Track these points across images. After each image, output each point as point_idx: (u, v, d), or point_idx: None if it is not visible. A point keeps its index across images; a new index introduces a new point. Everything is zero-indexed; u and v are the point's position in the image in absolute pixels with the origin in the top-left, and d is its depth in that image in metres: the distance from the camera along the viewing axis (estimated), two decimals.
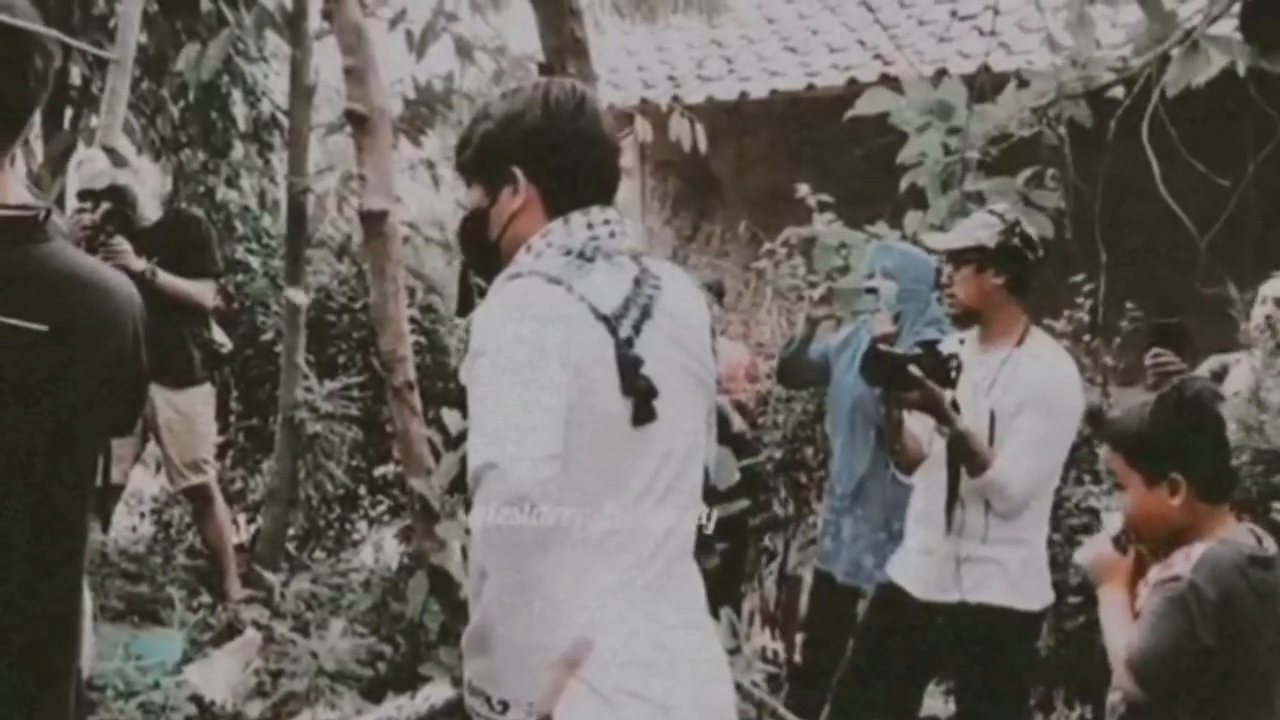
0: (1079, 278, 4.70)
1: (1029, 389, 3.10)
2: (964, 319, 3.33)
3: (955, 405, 3.06)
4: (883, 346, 3.18)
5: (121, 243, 4.47)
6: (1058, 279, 4.41)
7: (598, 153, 1.89)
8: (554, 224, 1.84)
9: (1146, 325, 4.60)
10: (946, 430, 3.07)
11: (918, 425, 3.20)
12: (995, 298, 3.20)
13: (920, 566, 3.23)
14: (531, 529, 1.59)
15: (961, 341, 3.31)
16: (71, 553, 1.52)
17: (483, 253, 1.95)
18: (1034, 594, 3.18)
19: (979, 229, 3.21)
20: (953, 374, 3.03)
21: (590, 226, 1.84)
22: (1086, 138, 3.36)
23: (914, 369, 2.98)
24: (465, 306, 5.62)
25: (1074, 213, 3.18)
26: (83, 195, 4.56)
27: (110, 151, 4.76)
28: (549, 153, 1.85)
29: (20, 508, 1.42)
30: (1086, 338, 4.95)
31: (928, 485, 3.26)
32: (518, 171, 1.86)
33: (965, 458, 3.08)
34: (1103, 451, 2.52)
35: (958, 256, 3.24)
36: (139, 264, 4.47)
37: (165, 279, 4.60)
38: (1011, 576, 3.12)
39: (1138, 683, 2.30)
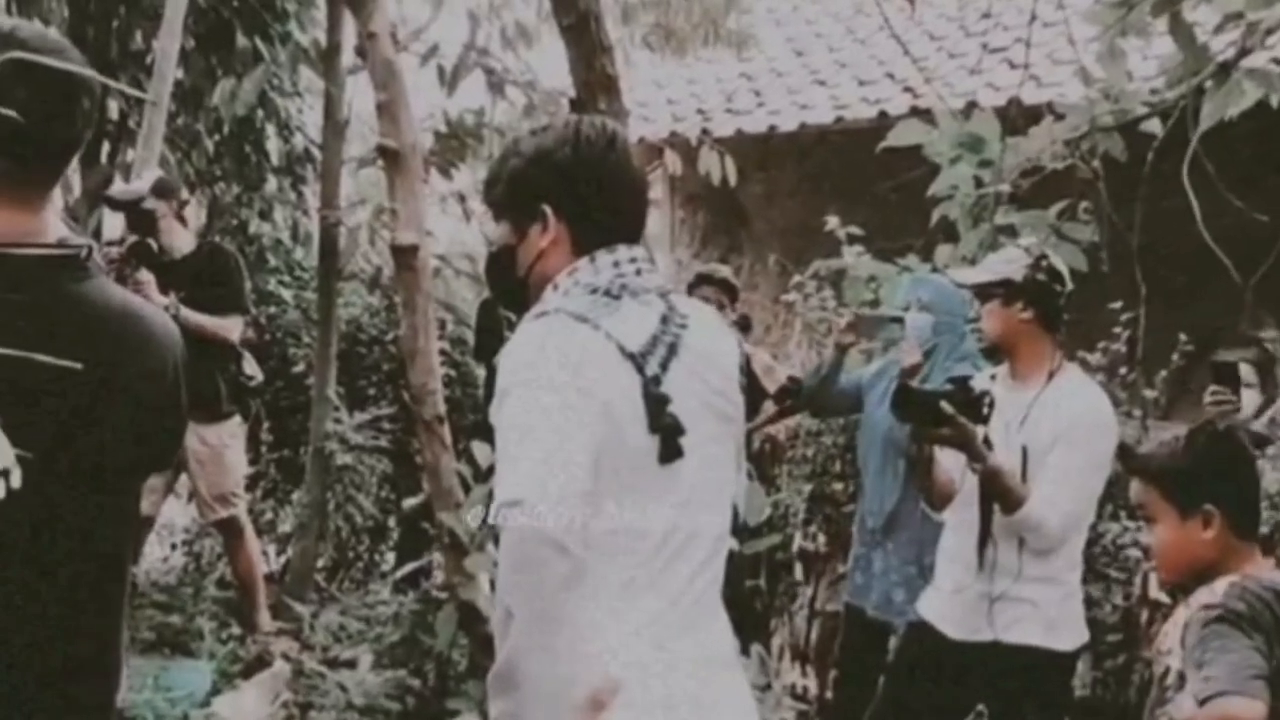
0: (1116, 305, 4.65)
1: (1062, 424, 3.05)
2: (993, 353, 3.30)
3: (988, 442, 3.02)
4: (913, 384, 3.14)
5: (145, 276, 4.47)
6: (1092, 312, 4.37)
7: (627, 191, 1.88)
8: (581, 262, 1.83)
9: (1208, 364, 4.55)
10: (979, 467, 3.03)
11: (949, 461, 3.16)
12: (1024, 332, 3.16)
13: (952, 605, 3.18)
14: (558, 567, 1.58)
15: (993, 377, 3.26)
16: (114, 590, 1.51)
17: (510, 288, 1.94)
18: (1069, 634, 3.12)
19: (1005, 263, 3.18)
20: (985, 410, 2.99)
21: (617, 265, 1.83)
22: (1122, 170, 3.33)
23: (945, 406, 2.94)
24: (483, 350, 5.57)
25: (1111, 245, 3.14)
26: (110, 201, 4.58)
27: (165, 183, 4.78)
28: (579, 191, 1.84)
29: (63, 544, 1.41)
30: (1123, 370, 4.90)
31: (959, 523, 3.21)
32: (547, 209, 1.85)
33: (998, 495, 3.04)
34: (1133, 485, 2.49)
35: (985, 291, 3.21)
36: (162, 299, 4.46)
37: (188, 315, 4.55)
38: (1046, 616, 3.06)
39: (1242, 705, 2.19)
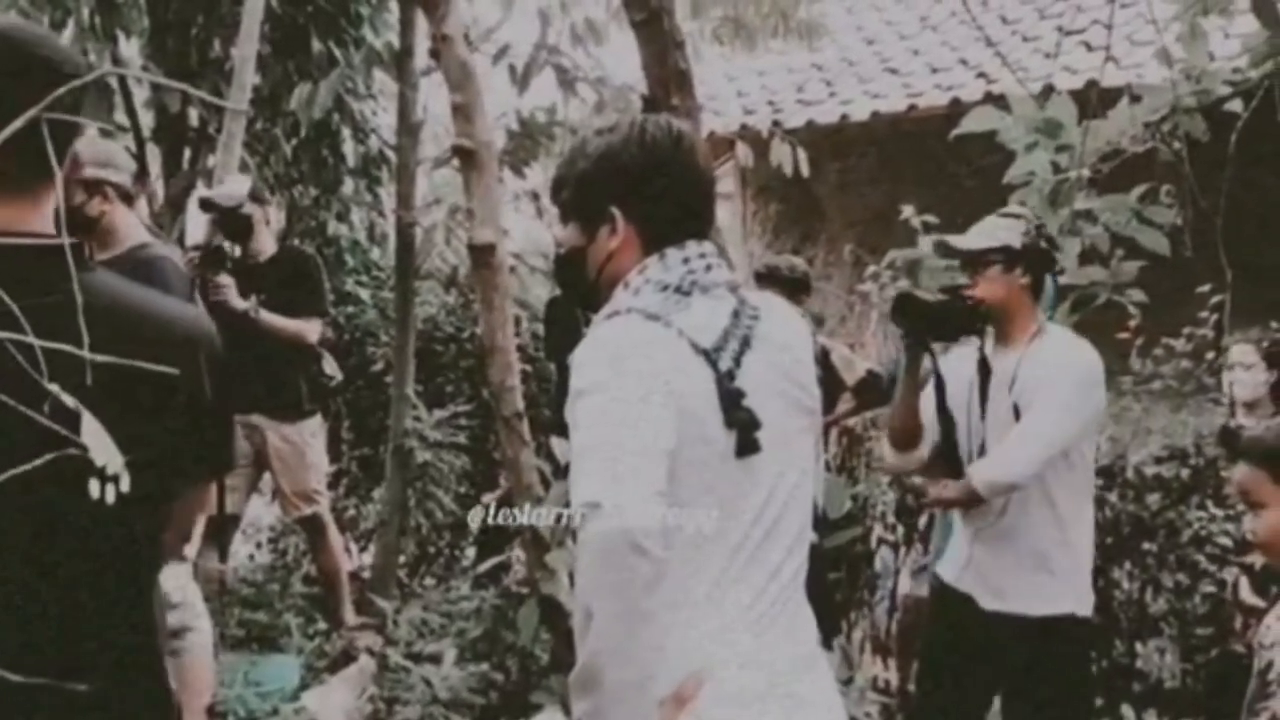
0: (1203, 289, 4.57)
1: (1047, 369, 3.07)
2: (988, 319, 3.25)
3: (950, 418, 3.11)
4: (917, 292, 3.20)
5: (225, 280, 4.54)
6: (1176, 297, 4.30)
7: (695, 189, 1.88)
8: (650, 260, 1.84)
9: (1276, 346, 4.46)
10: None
11: (928, 412, 3.20)
12: (1019, 298, 3.17)
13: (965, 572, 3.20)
14: (639, 569, 1.57)
15: (981, 349, 3.25)
16: (122, 593, 1.47)
17: (582, 289, 1.96)
18: (1078, 599, 3.09)
19: (1001, 230, 3.20)
20: (980, 324, 3.09)
21: (686, 261, 1.83)
22: (1205, 152, 3.27)
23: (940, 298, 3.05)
24: (553, 347, 5.62)
25: (1194, 229, 3.10)
26: (208, 204, 4.68)
27: (257, 189, 4.91)
28: (646, 192, 1.85)
29: (64, 541, 1.39)
30: (1209, 356, 4.81)
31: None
32: (615, 211, 1.86)
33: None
34: (1237, 470, 2.43)
35: (979, 258, 3.20)
36: (242, 303, 4.54)
37: (268, 318, 4.65)
38: (1062, 580, 3.05)
39: None
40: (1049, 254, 3.22)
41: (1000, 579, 3.10)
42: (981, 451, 3.14)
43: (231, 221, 4.71)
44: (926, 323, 3.09)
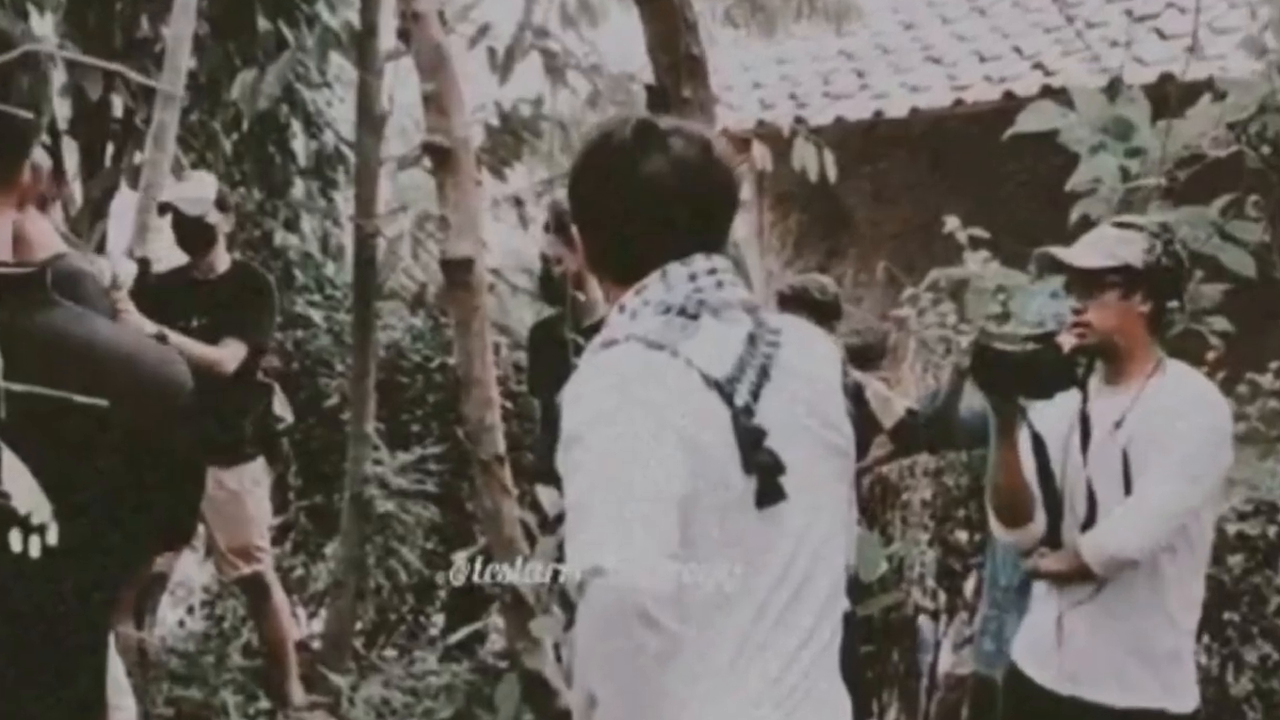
0: None
1: (1167, 420, 2.97)
2: (1098, 352, 3.12)
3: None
4: (999, 345, 3.00)
5: (123, 304, 4.46)
6: (1262, 326, 4.32)
7: (675, 196, 1.83)
8: (650, 278, 1.84)
9: None
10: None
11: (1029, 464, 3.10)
12: (1136, 328, 3.06)
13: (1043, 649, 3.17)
14: (649, 644, 1.57)
15: (1083, 402, 3.20)
16: (78, 688, 1.45)
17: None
18: (1171, 692, 3.03)
19: (1120, 245, 3.05)
20: (1079, 371, 2.97)
21: (693, 278, 1.82)
22: None
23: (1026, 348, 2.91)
24: (538, 380, 5.66)
25: None
26: (164, 208, 4.68)
27: (224, 195, 4.96)
28: (591, 209, 1.91)
29: (17, 620, 1.37)
30: None
31: None
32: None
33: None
34: None
35: (1095, 278, 3.06)
36: (150, 326, 4.50)
37: (176, 342, 4.58)
38: (1157, 668, 3.00)
39: None
40: (1176, 275, 3.07)
41: (1084, 662, 3.03)
42: (1091, 510, 3.03)
43: (193, 232, 4.72)
44: (1012, 378, 2.95)
